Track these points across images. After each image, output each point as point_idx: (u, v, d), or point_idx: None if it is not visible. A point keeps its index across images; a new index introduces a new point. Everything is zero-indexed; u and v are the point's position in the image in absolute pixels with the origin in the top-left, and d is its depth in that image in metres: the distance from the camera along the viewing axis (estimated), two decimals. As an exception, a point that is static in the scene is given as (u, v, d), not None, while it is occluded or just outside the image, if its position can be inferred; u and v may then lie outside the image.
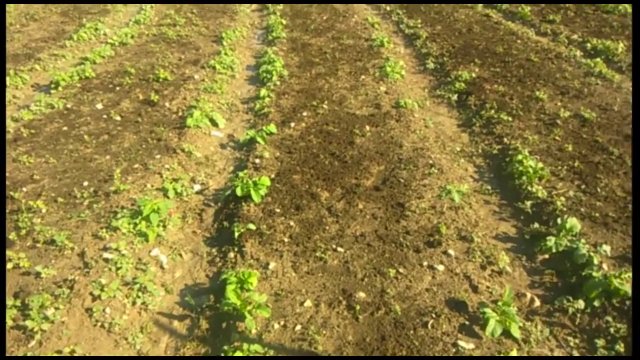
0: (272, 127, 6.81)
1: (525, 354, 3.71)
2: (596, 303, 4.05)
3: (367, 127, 6.99)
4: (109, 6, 13.45)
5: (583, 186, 5.62)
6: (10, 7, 12.80)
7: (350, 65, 9.39)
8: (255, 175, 5.74)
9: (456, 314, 4.02)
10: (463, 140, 7.02)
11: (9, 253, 4.39)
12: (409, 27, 11.94)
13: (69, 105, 7.62)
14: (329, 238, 4.87)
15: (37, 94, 8.13)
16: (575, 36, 10.81)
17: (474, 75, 8.72)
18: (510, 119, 7.16)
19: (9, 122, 6.97)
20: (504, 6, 13.53)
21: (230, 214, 5.35)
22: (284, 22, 12.05)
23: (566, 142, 6.52)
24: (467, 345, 3.75)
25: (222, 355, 3.68)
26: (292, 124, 7.08)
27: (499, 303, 3.94)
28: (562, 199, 5.32)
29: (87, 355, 3.67)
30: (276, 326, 3.92)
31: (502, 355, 3.66)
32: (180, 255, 4.86)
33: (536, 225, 5.04)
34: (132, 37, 10.87)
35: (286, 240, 4.85)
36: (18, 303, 3.94)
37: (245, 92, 8.68)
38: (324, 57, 9.76)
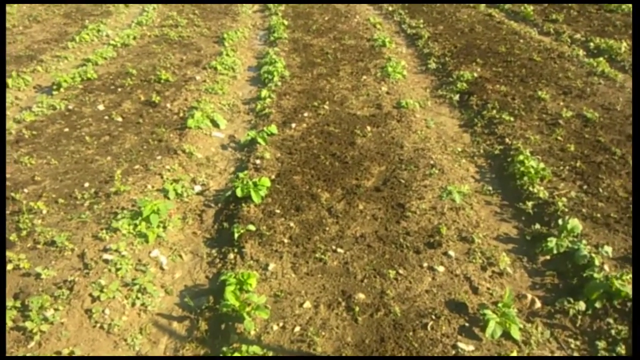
0: (273, 128, 6.80)
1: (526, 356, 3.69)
2: (597, 305, 4.03)
3: (368, 128, 6.98)
4: (111, 8, 13.48)
5: (585, 187, 5.59)
6: (13, 9, 12.85)
7: (351, 65, 9.38)
8: (256, 176, 5.74)
9: (456, 315, 4.00)
10: (464, 140, 6.99)
11: (9, 254, 4.40)
12: (411, 27, 11.92)
13: (70, 107, 7.64)
14: (329, 239, 4.86)
15: (39, 95, 8.14)
16: (578, 35, 10.77)
17: (475, 75, 8.70)
18: (512, 119, 7.14)
19: (11, 123, 6.99)
20: (507, 6, 13.50)
21: (231, 214, 5.35)
22: (286, 22, 12.05)
23: (568, 142, 6.49)
24: (466, 347, 3.74)
25: (221, 356, 3.67)
26: (293, 125, 7.08)
27: (499, 304, 3.92)
28: (564, 199, 5.29)
29: (86, 356, 3.67)
30: (275, 327, 3.91)
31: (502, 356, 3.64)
32: (180, 256, 4.86)
33: (537, 226, 5.02)
34: (134, 38, 10.89)
35: (286, 241, 4.84)
36: (18, 304, 3.95)
37: (247, 93, 8.68)
38: (326, 58, 9.75)
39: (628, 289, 3.96)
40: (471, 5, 13.66)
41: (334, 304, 4.12)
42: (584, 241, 4.61)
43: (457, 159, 6.41)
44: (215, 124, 7.28)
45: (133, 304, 4.17)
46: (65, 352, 3.61)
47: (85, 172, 5.92)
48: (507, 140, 6.64)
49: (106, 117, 7.30)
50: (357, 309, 4.04)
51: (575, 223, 4.73)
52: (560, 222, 4.81)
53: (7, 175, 5.78)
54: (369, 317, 4.00)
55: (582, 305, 4.04)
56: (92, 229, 4.87)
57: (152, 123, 7.17)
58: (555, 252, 4.61)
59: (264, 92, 8.09)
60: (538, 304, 4.20)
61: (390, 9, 13.72)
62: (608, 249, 4.51)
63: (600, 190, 5.49)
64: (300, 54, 10.03)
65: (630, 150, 6.20)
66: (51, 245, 4.64)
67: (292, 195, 5.52)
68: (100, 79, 8.71)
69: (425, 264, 4.53)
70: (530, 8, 12.74)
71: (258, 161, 6.16)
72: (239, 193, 5.38)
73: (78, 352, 3.65)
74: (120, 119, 7.27)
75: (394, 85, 8.40)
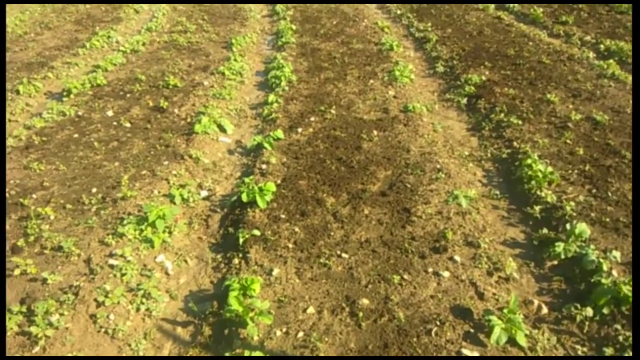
0: (280, 133, 6.81)
1: (531, 363, 3.65)
2: (605, 310, 3.97)
3: (375, 132, 6.96)
4: (122, 14, 13.62)
5: (594, 190, 5.52)
6: (25, 16, 13.04)
7: (359, 69, 9.38)
8: (262, 181, 5.74)
9: (461, 321, 3.97)
10: (472, 144, 6.95)
11: (17, 259, 4.44)
12: (419, 31, 11.89)
13: (80, 113, 7.72)
14: (333, 244, 4.85)
15: (49, 101, 8.24)
16: (588, 37, 10.67)
17: (484, 78, 8.64)
18: (520, 122, 7.08)
19: (21, 129, 7.08)
20: (516, 8, 13.41)
21: (236, 220, 5.36)
22: (294, 27, 12.08)
23: (577, 145, 6.42)
24: (471, 354, 3.70)
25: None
26: (300, 129, 7.08)
27: (505, 310, 3.87)
28: (572, 203, 5.23)
29: (87, 356, 3.70)
30: (278, 333, 3.90)
31: (507, 363, 3.60)
32: (186, 261, 4.88)
33: (545, 230, 4.96)
34: (144, 44, 10.99)
35: (291, 246, 4.84)
36: (24, 309, 3.99)
37: (254, 98, 8.71)
38: (333, 62, 9.76)
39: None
40: (480, 8, 13.60)
41: (338, 309, 4.10)
42: (592, 246, 4.55)
43: (464, 163, 6.37)
44: (222, 129, 7.31)
45: (138, 309, 4.19)
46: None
47: (93, 178, 5.97)
48: (515, 143, 6.59)
49: (115, 123, 7.37)
50: (360, 314, 4.02)
51: (583, 227, 4.67)
52: (568, 226, 4.75)
53: (17, 181, 5.85)
54: (372, 322, 3.98)
55: (589, 311, 3.98)
56: (99, 234, 4.91)
57: (159, 128, 7.22)
58: (562, 257, 4.56)
59: (271, 97, 8.11)
60: (545, 310, 4.15)
61: (398, 12, 13.70)
62: (616, 254, 4.44)
63: (610, 194, 5.42)
64: (308, 59, 10.04)
65: (640, 153, 6.12)
66: (58, 251, 4.68)
67: (298, 200, 5.52)
68: (110, 85, 8.80)
69: (430, 269, 4.50)
70: (539, 10, 12.64)
71: (264, 166, 6.17)
72: (244, 198, 5.39)
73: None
74: (128, 125, 7.34)
75: (401, 89, 8.37)
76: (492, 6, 13.69)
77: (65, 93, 8.39)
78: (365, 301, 4.17)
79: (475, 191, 5.65)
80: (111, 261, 4.50)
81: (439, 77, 9.38)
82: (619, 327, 3.87)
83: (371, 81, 8.80)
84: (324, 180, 5.86)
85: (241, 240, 4.88)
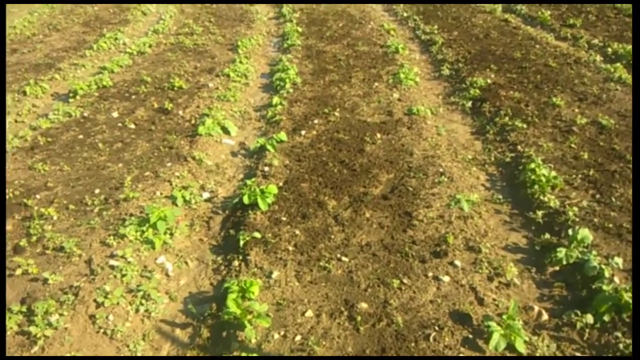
0: (283, 135, 6.82)
1: (530, 369, 3.62)
2: (606, 318, 3.93)
3: (378, 135, 6.95)
4: (129, 16, 13.70)
5: (598, 196, 5.47)
6: (33, 17, 13.15)
7: (364, 72, 9.37)
8: (264, 183, 5.75)
9: (460, 327, 3.94)
10: (476, 148, 6.92)
11: (19, 259, 4.48)
12: (425, 33, 11.86)
13: (85, 114, 7.77)
14: (334, 247, 4.84)
15: (55, 102, 8.30)
16: (595, 40, 10.59)
17: (489, 81, 8.61)
18: (525, 126, 7.04)
19: (27, 130, 7.13)
20: (524, 11, 13.35)
21: (237, 222, 5.37)
22: (300, 29, 12.09)
23: (582, 149, 6.38)
24: (470, 356, 3.67)
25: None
26: (303, 132, 7.09)
27: (504, 316, 3.85)
28: (575, 208, 5.19)
29: (86, 356, 3.71)
30: (276, 336, 3.90)
31: (505, 370, 3.58)
32: (186, 263, 4.89)
33: (547, 235, 4.93)
34: (150, 46, 11.05)
35: (291, 249, 4.84)
36: (24, 309, 4.01)
37: (259, 100, 8.73)
38: (338, 64, 9.76)
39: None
40: (487, 10, 13.54)
41: (336, 313, 4.09)
42: (594, 252, 4.50)
43: (467, 167, 6.34)
44: (226, 131, 7.33)
45: (137, 310, 4.20)
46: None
47: (97, 179, 6.01)
48: (519, 147, 6.55)
49: (119, 124, 7.41)
50: (359, 318, 4.00)
51: (585, 233, 4.63)
52: (570, 232, 4.71)
53: (21, 182, 5.90)
54: (370, 327, 3.96)
55: (590, 318, 3.94)
56: (101, 235, 4.94)
57: (163, 130, 7.25)
58: (564, 262, 4.52)
59: (275, 99, 8.12)
60: (545, 316, 4.12)
61: (405, 14, 13.68)
62: (619, 260, 4.40)
63: (614, 199, 5.37)
64: (313, 61, 10.05)
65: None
66: (60, 251, 4.71)
67: (299, 203, 5.52)
68: (116, 87, 8.86)
69: (430, 274, 4.48)
70: (547, 13, 12.58)
71: (266, 168, 6.18)
72: (245, 200, 5.40)
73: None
74: (133, 126, 7.38)
75: (406, 92, 8.35)
76: (499, 9, 13.64)
77: (71, 94, 8.45)
78: (364, 305, 4.16)
79: (477, 195, 5.63)
80: (112, 262, 4.52)
81: (444, 80, 9.35)
82: (619, 334, 3.83)
83: (376, 84, 8.79)
84: (326, 183, 5.86)
85: (241, 242, 4.89)
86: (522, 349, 3.70)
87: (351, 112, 7.72)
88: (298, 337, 3.88)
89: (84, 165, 6.32)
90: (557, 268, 4.59)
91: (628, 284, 4.17)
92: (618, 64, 8.91)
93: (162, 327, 4.18)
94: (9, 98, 8.16)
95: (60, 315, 3.94)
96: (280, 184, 5.86)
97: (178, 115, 7.71)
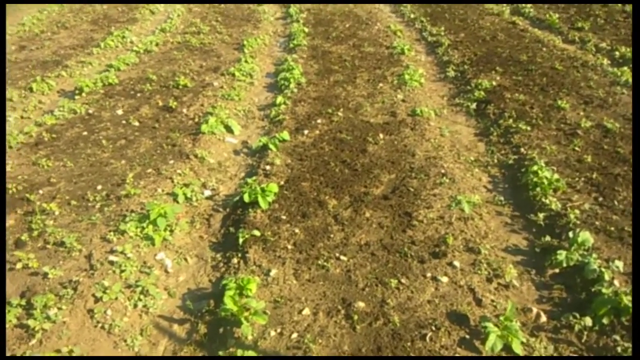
0: (285, 134, 6.82)
1: (526, 371, 3.60)
2: (605, 321, 3.90)
3: (381, 135, 6.94)
4: (137, 15, 13.78)
5: (600, 199, 5.43)
6: (42, 15, 13.26)
7: (369, 73, 9.36)
8: (265, 182, 5.76)
9: (457, 327, 3.93)
10: (479, 149, 6.89)
11: (19, 253, 4.52)
12: (431, 35, 11.83)
13: (90, 111, 7.83)
14: (332, 246, 4.84)
15: (61, 99, 8.36)
16: (603, 44, 10.51)
17: (494, 83, 8.57)
18: (529, 128, 7.00)
19: (32, 126, 7.19)
20: (532, 13, 13.28)
21: (237, 219, 5.38)
22: (306, 30, 12.11)
23: (586, 153, 6.33)
24: (465, 356, 3.66)
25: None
26: (306, 132, 7.09)
27: (501, 318, 3.83)
28: (577, 211, 5.15)
29: (85, 355, 3.73)
30: (272, 333, 3.91)
31: (501, 371, 3.56)
32: (186, 259, 4.91)
33: (548, 238, 4.90)
34: (157, 44, 11.11)
35: (290, 247, 4.84)
36: (23, 302, 4.05)
37: (263, 99, 8.75)
38: (343, 65, 9.76)
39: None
40: (495, 12, 13.49)
41: (333, 311, 4.09)
42: (595, 255, 4.47)
43: (469, 168, 6.32)
44: (229, 130, 7.35)
45: (135, 306, 4.22)
46: (65, 351, 3.68)
47: (99, 175, 6.04)
48: (522, 150, 6.52)
49: (124, 122, 7.45)
50: (356, 317, 4.00)
51: (586, 236, 4.60)
52: (571, 234, 4.68)
53: (25, 177, 5.95)
54: (367, 325, 3.96)
55: (588, 321, 3.92)
56: (101, 231, 4.97)
57: (167, 128, 7.28)
58: (564, 265, 4.49)
59: (279, 99, 8.14)
60: (544, 318, 4.09)
61: (412, 16, 13.65)
62: (619, 263, 4.36)
63: (616, 202, 5.33)
64: (318, 61, 10.06)
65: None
66: (60, 246, 4.74)
67: (300, 202, 5.52)
68: (121, 84, 8.91)
69: (428, 274, 4.47)
70: (555, 16, 12.50)
71: (268, 167, 6.19)
72: (246, 198, 5.41)
73: (77, 352, 3.71)
74: (137, 124, 7.42)
75: (410, 93, 8.34)
76: (507, 11, 13.59)
77: (77, 91, 8.51)
78: (361, 304, 4.15)
79: (479, 197, 5.61)
80: (111, 257, 4.55)
81: (449, 81, 9.32)
82: (618, 337, 3.80)
83: (380, 85, 8.78)
84: (327, 183, 5.86)
85: (241, 240, 4.90)
86: (518, 350, 3.68)
87: (355, 113, 7.71)
88: (294, 335, 3.89)
89: (87, 161, 6.36)
90: (557, 270, 4.57)
91: (628, 287, 4.14)
92: (625, 68, 8.84)
93: (160, 322, 4.20)
94: (15, 94, 8.23)
95: (59, 309, 3.97)
96: (282, 182, 5.87)
97: (182, 114, 7.74)
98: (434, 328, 3.91)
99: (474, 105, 8.03)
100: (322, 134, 7.06)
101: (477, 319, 3.99)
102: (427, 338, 3.83)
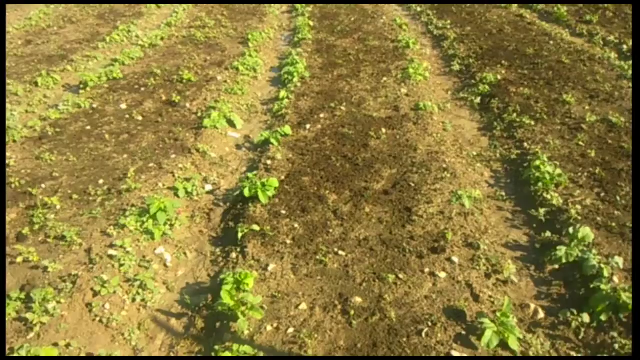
0: (287, 129, 6.81)
1: (522, 368, 3.58)
2: (602, 317, 3.87)
3: (383, 130, 6.91)
4: (143, 9, 13.78)
5: (603, 194, 5.38)
6: (49, 9, 13.31)
7: (373, 67, 9.31)
8: (266, 177, 5.76)
9: (453, 323, 3.92)
10: (482, 144, 6.84)
11: (20, 247, 4.56)
12: (437, 28, 11.74)
13: (94, 105, 7.86)
14: (331, 241, 4.84)
15: (66, 94, 8.41)
16: (611, 37, 10.38)
17: (499, 77, 8.49)
18: (533, 122, 6.94)
19: (36, 120, 7.24)
20: (540, 6, 13.12)
21: (237, 214, 5.39)
22: (312, 23, 12.06)
23: (590, 147, 6.27)
24: (461, 356, 3.65)
25: (212, 355, 3.70)
26: (308, 126, 7.08)
27: (498, 313, 3.81)
28: (578, 207, 5.11)
29: (82, 348, 3.76)
30: (269, 328, 3.92)
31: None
32: (185, 254, 4.94)
33: (548, 233, 4.87)
34: (162, 39, 11.11)
35: (289, 242, 4.85)
36: (23, 296, 4.09)
37: (267, 94, 8.74)
38: (348, 59, 9.71)
39: (636, 303, 3.79)
40: (502, 6, 13.33)
41: (330, 306, 4.09)
42: (595, 251, 4.43)
43: (471, 163, 6.28)
44: (231, 124, 7.35)
45: (133, 300, 4.25)
46: (62, 344, 3.72)
47: (102, 169, 6.08)
48: (525, 144, 6.47)
49: (127, 116, 7.48)
50: (352, 312, 4.00)
51: (586, 231, 4.56)
52: (571, 230, 4.63)
53: (28, 171, 5.99)
54: (363, 321, 3.96)
55: (586, 318, 3.90)
56: (102, 225, 5.00)
57: (170, 122, 7.30)
58: (564, 261, 4.46)
59: (282, 93, 8.12)
60: (541, 314, 4.07)
61: (418, 9, 13.55)
62: (619, 259, 4.32)
63: (618, 198, 5.27)
64: (323, 55, 10.02)
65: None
66: (61, 240, 4.78)
67: (300, 197, 5.52)
68: (126, 79, 8.93)
69: (426, 270, 4.45)
70: (563, 9, 12.34)
71: (269, 162, 6.19)
72: (246, 193, 5.42)
73: (75, 345, 3.75)
74: (140, 118, 7.44)
75: (414, 87, 8.28)
76: (515, 4, 13.43)
77: (81, 86, 8.54)
78: (358, 299, 4.15)
79: (480, 192, 5.57)
80: (111, 252, 4.58)
81: (454, 75, 9.25)
82: (615, 334, 3.77)
83: (384, 79, 8.73)
84: (328, 177, 5.85)
85: (240, 234, 4.91)
86: (515, 346, 3.67)
87: (357, 107, 7.68)
88: (291, 330, 3.89)
89: (89, 155, 6.40)
90: (556, 266, 4.54)
91: (627, 283, 4.11)
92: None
93: (158, 316, 4.23)
94: (20, 89, 8.28)
95: (58, 302, 4.00)
96: (282, 177, 5.87)
97: (185, 108, 7.76)
98: (430, 324, 3.90)
99: (478, 100, 7.97)
100: (324, 128, 7.04)
101: (474, 315, 3.98)
102: (423, 334, 3.82)
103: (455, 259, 4.56)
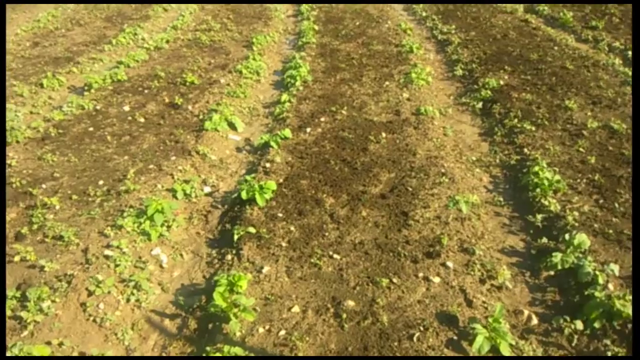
0: (287, 132, 6.84)
1: (512, 374, 3.57)
2: (596, 325, 3.84)
3: (383, 134, 6.92)
4: (150, 12, 13.90)
5: (601, 201, 5.35)
6: (57, 12, 13.46)
7: (376, 71, 9.32)
8: (264, 180, 5.78)
9: (445, 328, 3.91)
10: (482, 149, 6.83)
11: (18, 246, 4.61)
12: (442, 33, 11.73)
13: (98, 107, 7.93)
14: (327, 244, 4.85)
15: (70, 95, 8.49)
16: (617, 43, 10.32)
17: (502, 82, 8.47)
18: (534, 128, 6.92)
19: (39, 122, 7.32)
20: (546, 11, 13.08)
21: (234, 216, 5.42)
22: (316, 27, 12.09)
23: (590, 153, 6.24)
24: (448, 356, 3.65)
25: (204, 355, 3.72)
26: (308, 129, 7.10)
27: (490, 319, 3.80)
28: (576, 213, 5.09)
29: (75, 347, 3.80)
30: (261, 330, 3.93)
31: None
32: (181, 255, 4.97)
33: (544, 240, 4.85)
34: (168, 41, 11.20)
35: (284, 244, 4.86)
36: (18, 294, 4.14)
37: (269, 97, 8.78)
38: (351, 63, 9.74)
39: (629, 310, 3.76)
40: (508, 10, 13.31)
41: (323, 309, 4.10)
42: (590, 258, 4.41)
43: (470, 168, 6.27)
44: (232, 127, 7.39)
45: (128, 300, 4.28)
46: (55, 343, 3.75)
47: (102, 170, 6.13)
48: (525, 150, 6.44)
49: (129, 118, 7.54)
50: (344, 315, 4.01)
51: (582, 238, 4.53)
52: (567, 236, 4.61)
53: (29, 171, 6.06)
54: (355, 324, 3.96)
55: (579, 324, 3.87)
56: (99, 226, 5.04)
57: (172, 124, 7.35)
58: (559, 267, 4.44)
59: (284, 97, 8.16)
60: (535, 321, 4.06)
61: (423, 14, 13.55)
62: (615, 267, 4.29)
63: (617, 205, 5.24)
64: (326, 59, 10.05)
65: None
66: (59, 240, 4.83)
67: (297, 200, 5.54)
68: (130, 81, 9.01)
69: (420, 274, 4.45)
70: (569, 14, 12.29)
71: (268, 164, 6.21)
72: (244, 196, 5.45)
73: (68, 344, 3.78)
74: (142, 120, 7.50)
75: (416, 92, 8.28)
76: (520, 9, 13.40)
77: (86, 87, 8.63)
78: (350, 303, 4.15)
79: (478, 197, 5.56)
80: (107, 252, 4.61)
81: (457, 80, 9.24)
82: (608, 342, 3.75)
83: (386, 83, 8.74)
84: (326, 181, 5.86)
85: (236, 236, 4.94)
86: (506, 352, 3.66)
87: (359, 111, 7.69)
88: (282, 332, 3.91)
89: (91, 157, 6.46)
90: (552, 273, 4.52)
91: (622, 291, 4.07)
92: (637, 67, 8.67)
93: (152, 317, 4.26)
94: (26, 90, 8.38)
95: (53, 301, 4.04)
96: (281, 180, 5.89)
97: (187, 110, 7.81)
98: (422, 328, 3.89)
99: (480, 105, 7.96)
100: (324, 132, 7.06)
101: (466, 320, 3.97)
102: (415, 338, 3.82)
103: (450, 264, 4.55)
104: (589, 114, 7.30)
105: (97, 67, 9.92)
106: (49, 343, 3.74)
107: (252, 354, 3.70)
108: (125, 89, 8.66)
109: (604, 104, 7.57)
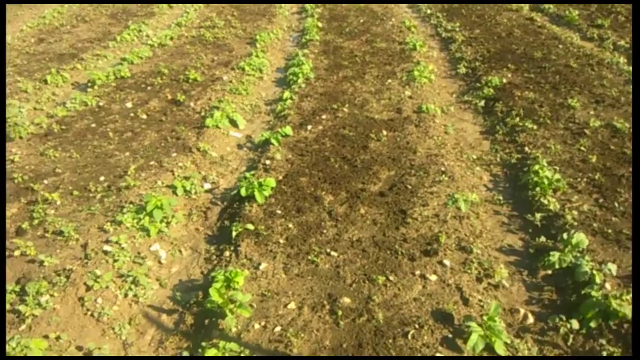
0: (288, 130, 6.85)
1: (506, 372, 3.57)
2: (592, 324, 3.84)
3: (384, 132, 6.91)
4: (155, 9, 13.93)
5: (601, 200, 5.33)
6: (63, 9, 13.53)
7: (378, 68, 9.31)
8: (264, 176, 5.80)
9: (440, 326, 3.92)
10: (483, 147, 6.81)
11: (18, 241, 4.65)
12: (446, 31, 11.69)
13: (101, 103, 7.97)
14: (324, 242, 4.86)
15: (74, 92, 8.54)
16: (622, 42, 10.24)
17: (505, 80, 8.43)
18: (535, 127, 6.89)
19: (43, 118, 7.37)
20: (551, 10, 12.99)
21: (233, 213, 5.44)
22: (320, 25, 12.08)
23: (591, 153, 6.21)
24: (445, 356, 3.65)
25: (199, 351, 3.75)
26: (309, 127, 7.11)
27: (484, 317, 3.80)
28: (575, 212, 5.07)
29: (72, 341, 3.83)
30: (256, 326, 3.95)
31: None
32: (180, 251, 5.00)
33: (543, 239, 4.83)
34: (171, 38, 11.23)
35: (282, 241, 4.88)
36: (17, 289, 4.18)
37: (271, 94, 8.79)
38: (353, 60, 9.73)
39: (626, 309, 3.75)
40: (513, 8, 13.23)
41: (318, 306, 4.12)
42: (588, 257, 4.39)
43: (471, 167, 6.26)
44: (234, 124, 7.41)
45: (125, 295, 4.31)
46: (52, 337, 3.79)
47: (103, 166, 6.17)
48: (526, 149, 6.42)
49: (132, 115, 7.58)
50: (340, 312, 4.02)
51: (581, 237, 4.52)
52: (565, 235, 4.60)
53: (31, 167, 6.11)
54: (351, 321, 3.97)
55: (575, 324, 3.86)
56: (99, 221, 5.08)
57: (173, 121, 7.38)
58: (557, 266, 4.43)
59: (286, 94, 8.17)
60: (531, 320, 4.05)
61: (428, 12, 13.50)
62: (612, 266, 4.27)
63: (617, 204, 5.21)
64: (329, 56, 10.04)
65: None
66: (59, 235, 4.87)
67: (296, 197, 5.55)
68: (133, 78, 9.05)
69: (417, 272, 4.45)
70: (575, 13, 12.21)
71: (268, 162, 6.23)
72: (243, 192, 5.46)
73: (65, 338, 3.82)
74: (144, 117, 7.54)
75: (418, 90, 8.27)
76: (526, 7, 13.32)
77: (90, 84, 8.68)
78: (346, 300, 4.17)
79: (477, 195, 5.55)
80: (106, 247, 4.65)
81: (460, 78, 9.21)
82: (604, 342, 3.74)
83: (389, 80, 8.73)
84: (325, 178, 5.87)
85: (234, 233, 4.96)
86: (500, 350, 3.65)
87: (360, 109, 7.69)
88: (278, 328, 3.92)
89: (92, 153, 6.50)
90: (549, 272, 4.51)
91: (619, 290, 4.06)
92: (642, 66, 8.61)
93: (149, 312, 4.29)
94: (30, 86, 8.44)
95: (51, 296, 4.08)
96: (280, 177, 5.90)
97: (189, 107, 7.84)
98: (417, 326, 3.90)
99: (482, 103, 7.94)
100: (325, 129, 7.06)
101: (462, 319, 3.97)
102: (410, 336, 3.82)
103: (447, 262, 4.55)
104: (592, 112, 7.26)
105: (101, 64, 9.97)
106: (46, 337, 3.78)
107: (247, 350, 3.72)
108: (128, 86, 8.70)
109: (607, 103, 7.52)
